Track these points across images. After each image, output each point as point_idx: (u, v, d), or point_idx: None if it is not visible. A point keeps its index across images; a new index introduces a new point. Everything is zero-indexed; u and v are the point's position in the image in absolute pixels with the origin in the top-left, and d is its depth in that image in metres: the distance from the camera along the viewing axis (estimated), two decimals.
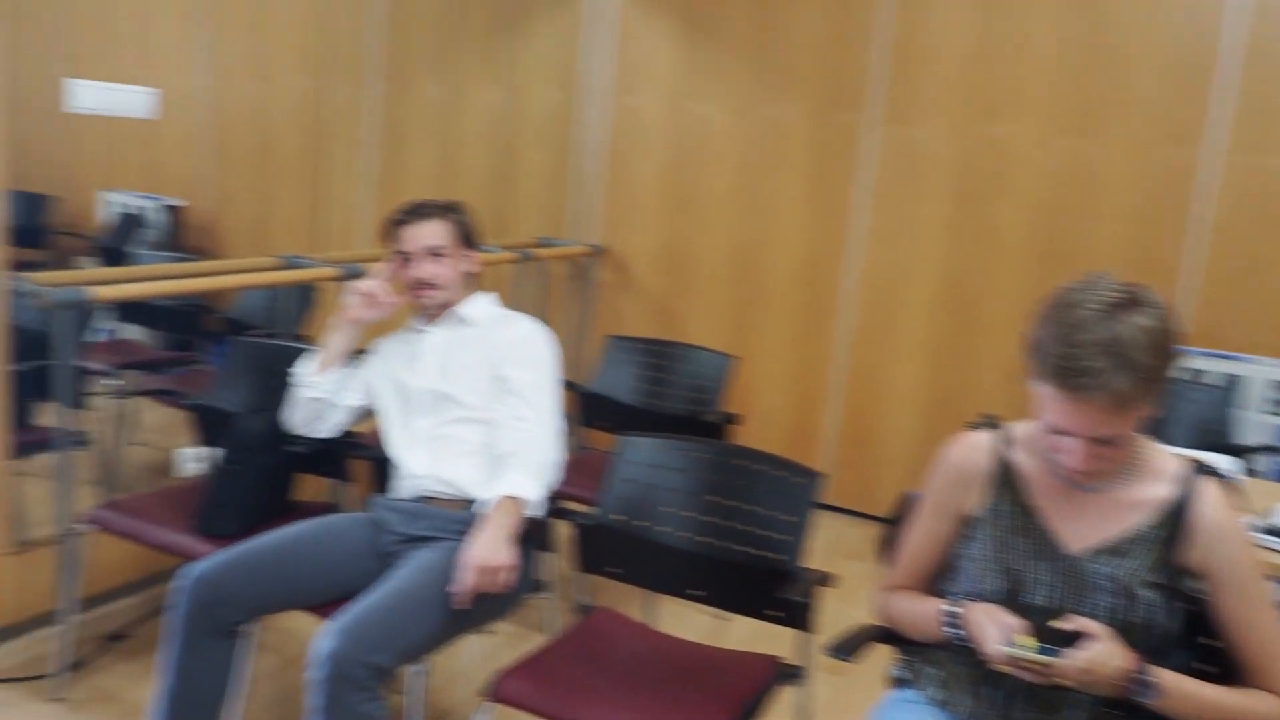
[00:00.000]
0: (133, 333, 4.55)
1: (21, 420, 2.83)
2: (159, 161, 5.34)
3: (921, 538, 1.72)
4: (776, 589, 2.01)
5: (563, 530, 2.31)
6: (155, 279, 3.16)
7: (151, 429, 4.20)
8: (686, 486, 2.20)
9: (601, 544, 2.23)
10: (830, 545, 3.90)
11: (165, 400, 3.78)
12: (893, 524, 1.90)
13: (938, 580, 1.73)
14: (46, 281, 2.62)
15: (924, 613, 1.66)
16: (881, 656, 1.86)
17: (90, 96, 3.58)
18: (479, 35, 4.74)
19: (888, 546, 1.88)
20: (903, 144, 3.99)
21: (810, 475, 2.11)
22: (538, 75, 4.64)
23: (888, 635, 1.81)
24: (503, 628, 3.02)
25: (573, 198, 4.60)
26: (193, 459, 3.10)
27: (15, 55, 2.53)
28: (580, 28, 4.50)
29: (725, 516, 2.15)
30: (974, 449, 1.66)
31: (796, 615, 2.00)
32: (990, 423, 1.69)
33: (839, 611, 2.37)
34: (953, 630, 1.58)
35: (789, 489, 2.11)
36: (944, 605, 1.62)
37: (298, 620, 2.94)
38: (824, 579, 2.04)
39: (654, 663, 2.07)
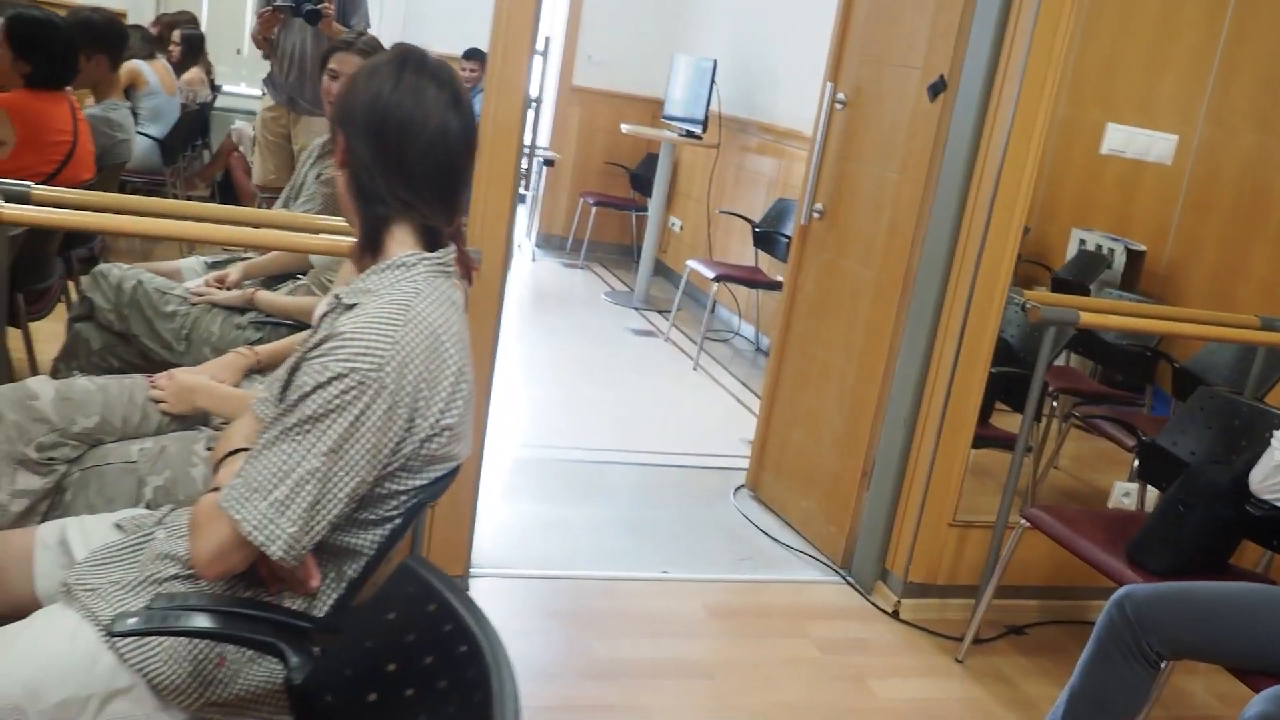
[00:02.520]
0: (1074, 362, 4.78)
1: (983, 416, 3.20)
2: (1130, 205, 5.46)
3: None
4: None
5: None
6: (1137, 315, 3.29)
7: (1067, 455, 4.39)
8: None
9: None
10: None
11: (1097, 431, 3.90)
12: None
13: None
14: (1038, 299, 2.91)
15: None
16: None
17: (1119, 139, 3.85)
18: None
19: None
20: None
21: None
22: None
23: None
24: None
25: None
26: (1124, 493, 3.20)
27: (1062, 100, 2.82)
28: None
29: None
30: None
31: None
32: None
33: None
34: None
35: None
36: None
37: (1195, 681, 2.88)
38: None
39: None
